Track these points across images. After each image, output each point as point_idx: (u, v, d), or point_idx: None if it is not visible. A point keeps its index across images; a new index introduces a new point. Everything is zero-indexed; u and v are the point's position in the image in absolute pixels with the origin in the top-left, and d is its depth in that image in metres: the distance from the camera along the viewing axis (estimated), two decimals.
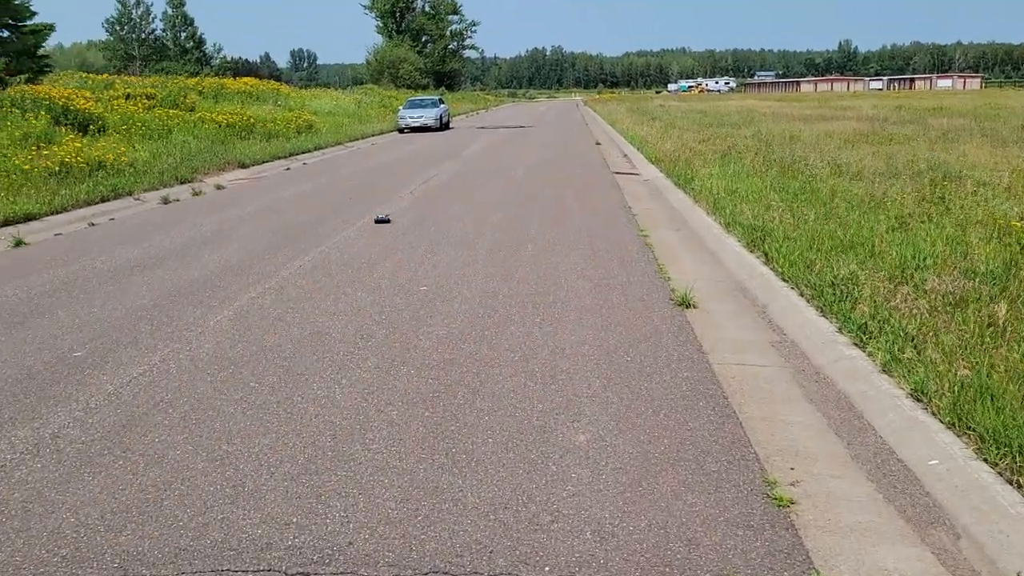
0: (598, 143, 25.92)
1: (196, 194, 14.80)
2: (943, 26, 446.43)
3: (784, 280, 7.16)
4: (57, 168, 14.08)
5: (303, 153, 23.12)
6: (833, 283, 6.53)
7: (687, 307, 6.66)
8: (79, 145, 15.79)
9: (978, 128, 26.74)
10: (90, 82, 30.08)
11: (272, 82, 42.86)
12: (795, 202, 10.65)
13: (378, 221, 10.96)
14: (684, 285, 7.24)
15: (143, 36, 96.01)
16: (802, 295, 6.58)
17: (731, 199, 11.15)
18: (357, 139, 29.64)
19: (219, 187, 15.78)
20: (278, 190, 15.26)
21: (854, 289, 6.34)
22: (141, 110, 23.43)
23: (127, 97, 26.68)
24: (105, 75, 36.18)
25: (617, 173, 17.20)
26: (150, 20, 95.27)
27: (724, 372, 5.24)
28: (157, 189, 14.80)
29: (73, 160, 14.58)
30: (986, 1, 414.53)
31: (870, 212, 9.80)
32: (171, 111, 24.43)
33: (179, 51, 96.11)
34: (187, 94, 30.36)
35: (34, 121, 17.53)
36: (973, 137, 23.19)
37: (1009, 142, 21.17)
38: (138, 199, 13.92)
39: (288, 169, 19.62)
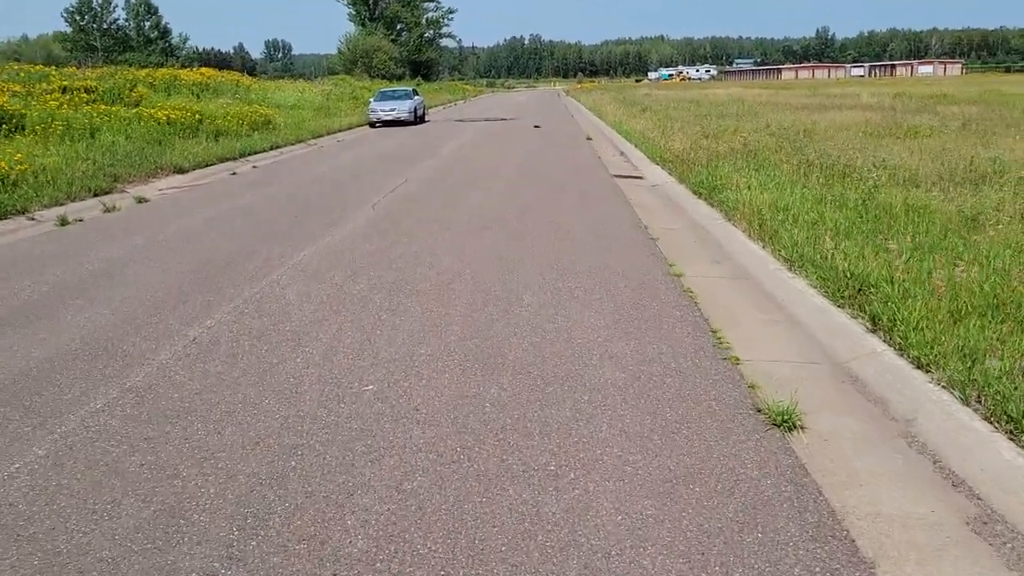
0: (589, 138, 23.35)
1: (109, 210, 12.08)
2: (919, 12, 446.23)
3: (918, 366, 4.67)
4: None
5: (257, 153, 20.38)
6: None
7: (788, 428, 4.13)
8: None
9: (998, 118, 24.52)
10: (22, 74, 27.02)
11: (232, 73, 39.82)
12: (865, 223, 8.16)
13: None
14: (765, 375, 4.74)
15: (105, 26, 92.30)
16: (992, 419, 4.05)
17: (779, 217, 8.63)
18: (322, 135, 26.88)
19: (141, 200, 13.06)
20: (212, 204, 12.57)
21: None
22: (74, 105, 20.55)
23: (64, 91, 23.75)
24: (41, 66, 33.03)
25: (618, 176, 14.64)
26: (111, 9, 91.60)
27: None
28: (62, 204, 12.08)
29: None
30: None
31: (970, 235, 7.34)
32: (110, 107, 21.55)
33: (143, 41, 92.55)
34: (134, 87, 27.41)
35: None
36: (1001, 128, 20.93)
37: None
38: (32, 219, 11.20)
39: (234, 174, 16.89)
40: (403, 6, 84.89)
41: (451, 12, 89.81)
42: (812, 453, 3.89)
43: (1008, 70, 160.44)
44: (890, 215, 8.63)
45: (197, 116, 21.52)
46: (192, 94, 31.84)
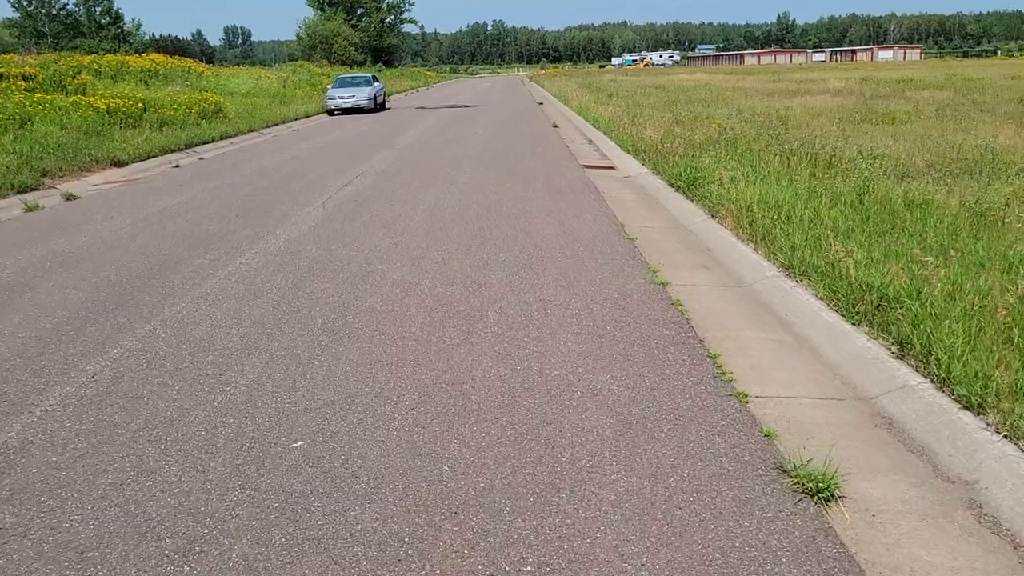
0: (555, 125, 22.43)
1: (30, 209, 10.93)
2: None
3: (966, 406, 3.86)
4: None
5: (205, 144, 19.16)
6: None
7: (824, 499, 3.29)
8: None
9: (970, 103, 24.12)
10: None
11: (184, 59, 38.17)
12: (866, 222, 7.36)
13: None
14: (781, 418, 3.91)
15: (54, 12, 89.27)
16: None
17: (771, 215, 7.81)
18: (276, 124, 25.63)
19: (70, 197, 11.90)
20: (147, 201, 11.46)
21: None
22: (7, 94, 19.15)
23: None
24: None
25: (588, 167, 13.76)
26: None
27: None
28: None
29: None
30: None
31: (994, 237, 6.59)
32: (46, 95, 20.16)
33: (94, 27, 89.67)
34: (78, 74, 25.92)
35: None
36: (976, 113, 20.45)
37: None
38: None
39: (177, 166, 15.72)
40: None
41: None
42: (860, 537, 3.04)
43: (965, 55, 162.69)
44: (891, 211, 7.85)
45: (140, 104, 20.20)
46: (140, 81, 30.37)
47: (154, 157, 16.45)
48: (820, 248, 6.50)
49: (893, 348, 4.72)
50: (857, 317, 5.23)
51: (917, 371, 4.39)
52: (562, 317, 5.67)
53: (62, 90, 22.51)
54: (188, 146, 18.30)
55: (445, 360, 4.91)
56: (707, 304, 6.01)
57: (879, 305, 5.17)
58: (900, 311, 4.95)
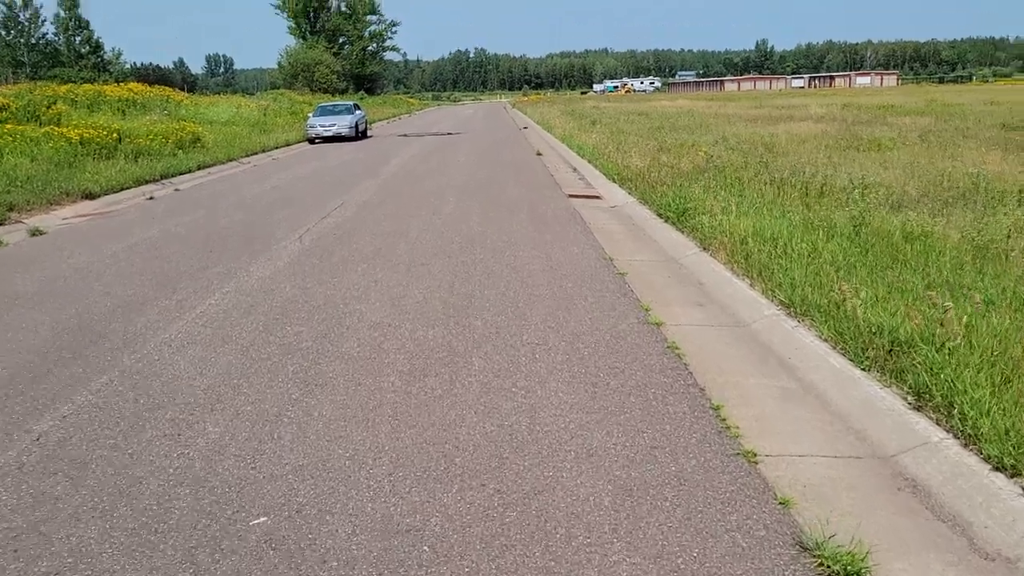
0: (539, 153, 22.19)
1: None
2: (854, 25, 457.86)
3: (998, 467, 3.52)
4: None
5: (182, 174, 18.74)
6: None
7: None
8: None
9: (952, 129, 24.16)
10: None
11: (163, 88, 37.80)
12: (865, 255, 7.07)
13: None
14: (796, 483, 3.55)
15: (32, 41, 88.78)
16: None
17: (766, 248, 7.49)
18: (256, 153, 25.24)
19: (36, 232, 11.44)
20: (116, 237, 11.02)
21: None
22: None
23: None
24: None
25: (573, 196, 13.47)
26: (39, 23, 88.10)
27: None
28: None
29: None
30: (894, 1, 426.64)
31: (999, 272, 6.30)
32: (17, 126, 19.71)
33: (74, 56, 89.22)
34: (53, 104, 25.47)
35: None
36: (960, 140, 20.44)
37: (1011, 146, 18.36)
38: None
39: (151, 199, 15.28)
40: (345, 19, 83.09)
41: (394, 25, 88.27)
42: None
43: (941, 80, 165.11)
44: (890, 244, 7.56)
45: (115, 134, 19.77)
46: (118, 111, 29.98)
47: (128, 189, 16.01)
48: (822, 285, 6.18)
49: (909, 398, 4.38)
50: (867, 362, 4.89)
51: (938, 424, 4.05)
52: (552, 363, 5.30)
53: (36, 120, 22.05)
54: (164, 177, 17.87)
55: (426, 415, 4.52)
56: (704, 346, 5.66)
57: (891, 350, 4.84)
58: (914, 356, 4.61)
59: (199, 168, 20.05)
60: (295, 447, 4.15)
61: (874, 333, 5.01)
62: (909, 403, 4.34)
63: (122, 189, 15.83)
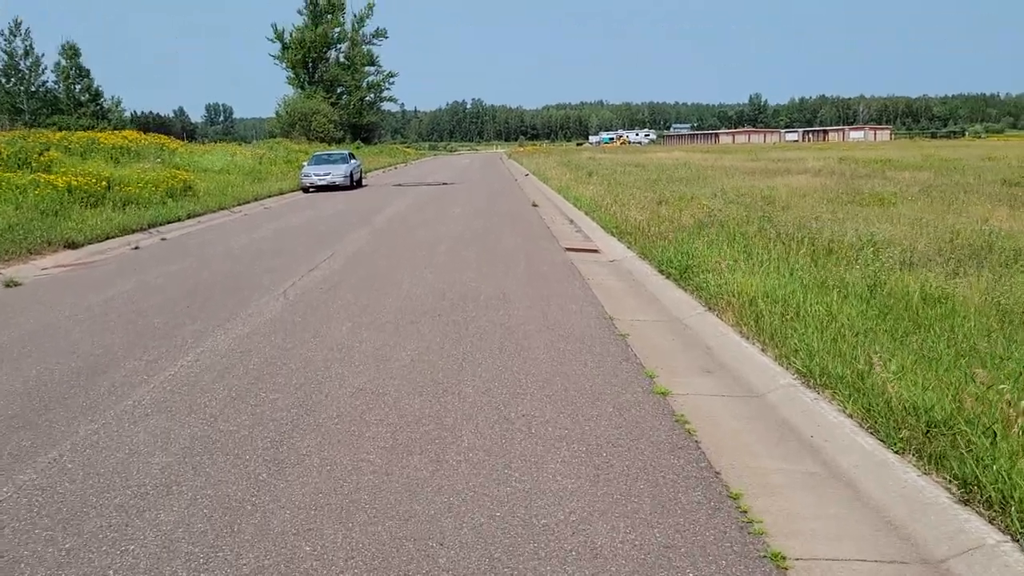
0: (535, 204, 21.89)
1: None
2: (847, 80, 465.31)
3: None
4: None
5: (170, 223, 18.34)
6: None
7: None
8: None
9: (953, 184, 23.95)
10: None
11: (158, 136, 37.66)
12: (884, 320, 6.61)
13: None
14: None
15: (32, 88, 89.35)
16: None
17: (778, 310, 7.04)
18: (248, 201, 24.92)
19: (11, 284, 10.95)
20: (94, 289, 10.55)
21: None
22: None
23: None
24: None
25: (570, 250, 13.07)
26: (40, 71, 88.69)
27: None
28: None
29: None
30: (886, 57, 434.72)
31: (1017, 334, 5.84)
32: (10, 172, 19.38)
33: (73, 104, 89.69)
34: (45, 150, 25.19)
35: None
36: (961, 194, 20.19)
37: (1016, 202, 18.11)
38: None
39: (137, 248, 14.83)
40: (343, 70, 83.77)
41: (392, 76, 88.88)
42: None
43: (934, 136, 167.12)
44: (907, 307, 7.12)
45: (104, 182, 19.42)
46: (111, 158, 29.70)
47: (113, 238, 15.58)
48: (842, 353, 5.70)
49: (954, 489, 3.88)
50: (900, 443, 4.39)
51: (992, 523, 3.55)
52: (550, 440, 4.79)
53: (27, 167, 21.73)
54: (152, 225, 17.47)
55: (408, 502, 4.00)
56: (717, 421, 5.17)
57: (927, 431, 4.35)
58: (955, 440, 4.12)
59: (188, 217, 19.67)
60: (256, 543, 3.62)
61: (908, 412, 4.52)
62: (954, 495, 3.84)
63: (107, 238, 15.41)
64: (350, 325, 7.91)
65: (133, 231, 16.50)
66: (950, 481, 3.96)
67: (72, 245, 14.28)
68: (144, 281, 11.00)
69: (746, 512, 3.87)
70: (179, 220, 18.96)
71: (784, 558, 3.44)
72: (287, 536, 3.69)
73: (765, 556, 3.46)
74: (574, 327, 7.66)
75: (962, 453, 3.97)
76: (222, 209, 22.21)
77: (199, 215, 20.34)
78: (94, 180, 19.29)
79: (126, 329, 8.04)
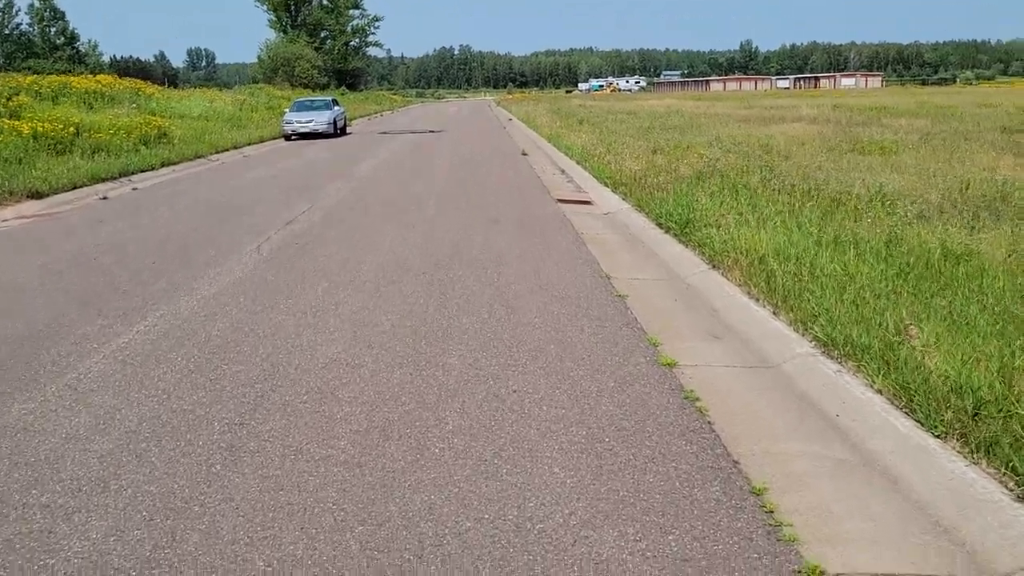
0: (524, 153, 21.14)
1: None
2: (838, 26, 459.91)
3: None
4: None
5: (143, 172, 17.54)
6: None
7: None
8: None
9: (952, 131, 23.30)
10: None
11: (132, 80, 36.39)
12: (906, 280, 6.06)
13: None
14: None
15: (6, 32, 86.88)
16: None
17: (789, 268, 6.47)
18: (227, 150, 24.01)
19: None
20: (54, 244, 9.88)
21: None
22: None
23: None
24: None
25: (562, 201, 12.44)
26: (13, 13, 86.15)
27: None
28: None
29: None
30: (877, 3, 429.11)
31: None
32: None
33: (48, 48, 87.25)
34: (14, 95, 24.13)
35: None
36: (962, 142, 19.57)
37: (1020, 150, 17.55)
38: None
39: (105, 199, 14.08)
40: (327, 13, 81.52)
41: (377, 20, 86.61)
42: None
43: (924, 83, 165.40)
44: (928, 265, 6.56)
45: (72, 129, 18.52)
46: (84, 104, 28.61)
47: (81, 188, 14.80)
48: (865, 318, 5.15)
49: (1011, 484, 3.36)
50: (942, 426, 3.87)
51: None
52: (545, 423, 4.24)
53: None
54: (123, 174, 16.67)
55: (382, 502, 3.45)
56: (730, 397, 4.63)
57: (976, 413, 3.82)
58: (1006, 424, 3.60)
59: (163, 165, 18.85)
60: (200, 556, 3.07)
61: (952, 391, 3.99)
62: (1011, 491, 3.33)
63: (75, 188, 14.64)
64: (326, 285, 7.30)
65: (103, 180, 15.71)
66: (1004, 473, 3.44)
67: (36, 195, 13.53)
68: (109, 235, 10.32)
69: (772, 512, 3.35)
70: (152, 169, 18.15)
71: (823, 573, 2.92)
72: (238, 546, 3.14)
73: (800, 572, 2.94)
74: (569, 287, 7.08)
75: (1018, 440, 3.45)
76: (199, 157, 21.35)
77: (174, 164, 19.49)
78: (62, 126, 18.39)
79: (83, 289, 7.41)
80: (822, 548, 3.11)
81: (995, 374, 4.12)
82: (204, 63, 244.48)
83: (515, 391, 4.68)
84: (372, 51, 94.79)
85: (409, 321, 6.11)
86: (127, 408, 4.53)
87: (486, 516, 3.32)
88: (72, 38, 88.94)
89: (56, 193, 13.93)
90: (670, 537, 3.17)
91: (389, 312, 6.37)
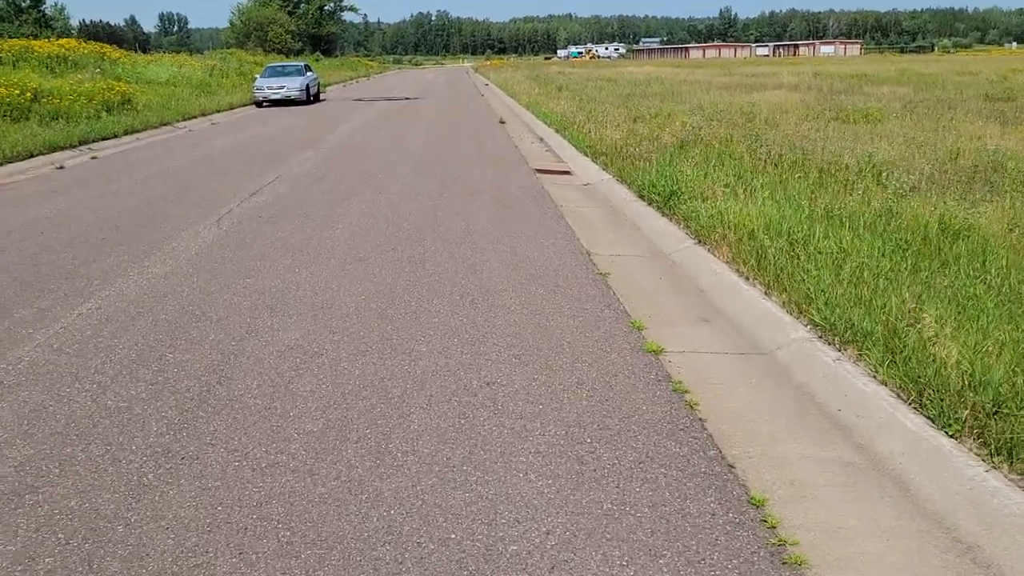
0: (502, 121, 20.58)
1: None
2: None
3: None
4: None
5: (104, 140, 16.81)
6: None
7: None
8: None
9: (935, 100, 23.00)
10: None
11: (97, 44, 35.20)
12: (904, 258, 5.70)
13: None
14: None
15: None
16: None
17: (780, 245, 6.09)
18: (195, 117, 23.20)
19: None
20: (2, 217, 9.30)
21: None
22: None
23: None
24: None
25: (541, 171, 11.97)
26: None
27: None
28: None
29: None
30: None
31: None
32: None
33: (13, 11, 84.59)
34: None
35: None
36: (945, 110, 19.25)
37: (1005, 119, 17.25)
38: None
39: (61, 168, 13.42)
40: None
41: None
42: None
43: (902, 51, 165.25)
44: (925, 239, 6.21)
45: (30, 94, 17.72)
46: (47, 68, 27.61)
47: (37, 156, 14.11)
48: (865, 300, 4.78)
49: None
50: (956, 424, 3.51)
51: None
52: (520, 420, 3.84)
53: None
54: (83, 142, 15.93)
55: (335, 519, 3.04)
56: (722, 389, 4.25)
57: (995, 411, 3.46)
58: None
59: (126, 133, 18.10)
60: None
61: (968, 386, 3.62)
62: None
63: (30, 156, 13.94)
64: (288, 263, 6.83)
65: (61, 148, 14.99)
66: None
67: None
68: (61, 207, 9.74)
69: (775, 528, 2.97)
70: (115, 137, 17.41)
71: None
72: (181, 558, 2.72)
73: None
74: (547, 264, 6.66)
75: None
76: (164, 125, 20.58)
77: (138, 131, 18.73)
78: (18, 91, 17.57)
79: (26, 266, 6.89)
80: (832, 573, 2.74)
81: (1012, 365, 3.76)
82: (176, 28, 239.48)
83: (488, 383, 4.27)
84: (347, 16, 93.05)
85: (375, 303, 5.67)
86: (56, 405, 4.07)
87: (452, 536, 2.92)
88: (38, 0, 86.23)
89: (10, 162, 13.24)
90: (661, 561, 2.79)
91: (354, 292, 5.92)
